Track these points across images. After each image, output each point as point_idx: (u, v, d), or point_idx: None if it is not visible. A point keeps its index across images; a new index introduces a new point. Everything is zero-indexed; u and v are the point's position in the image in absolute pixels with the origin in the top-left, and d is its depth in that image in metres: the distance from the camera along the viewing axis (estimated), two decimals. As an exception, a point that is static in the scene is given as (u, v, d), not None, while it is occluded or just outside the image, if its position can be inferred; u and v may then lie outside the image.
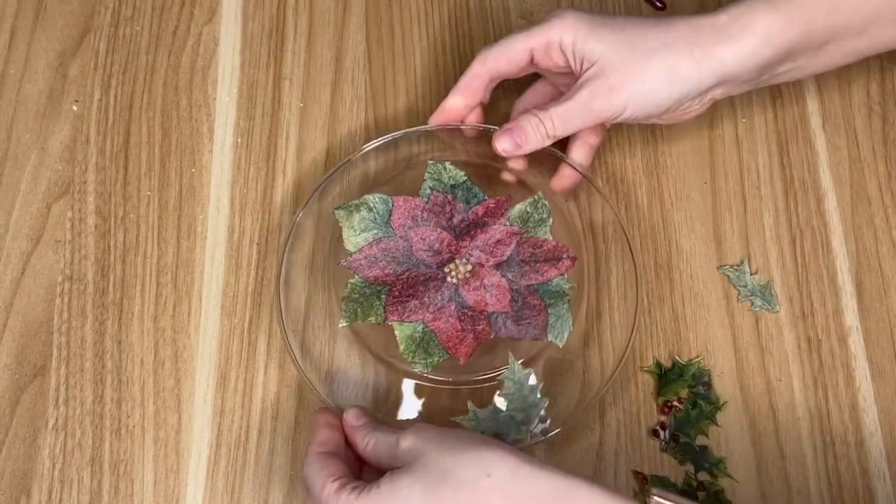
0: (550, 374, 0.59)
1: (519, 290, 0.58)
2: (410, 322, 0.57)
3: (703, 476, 0.58)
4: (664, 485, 0.57)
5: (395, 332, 0.57)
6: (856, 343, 0.61)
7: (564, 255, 0.59)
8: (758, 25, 0.55)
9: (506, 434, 0.55)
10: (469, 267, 0.58)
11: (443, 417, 0.56)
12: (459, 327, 0.57)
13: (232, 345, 0.60)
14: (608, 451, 0.58)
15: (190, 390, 0.59)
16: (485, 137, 0.61)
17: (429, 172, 0.60)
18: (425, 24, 0.70)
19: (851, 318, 0.62)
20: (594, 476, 0.58)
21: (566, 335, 0.57)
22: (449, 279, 0.58)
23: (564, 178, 0.62)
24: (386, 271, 0.58)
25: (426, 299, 0.57)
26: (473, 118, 0.62)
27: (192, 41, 0.69)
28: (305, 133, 0.66)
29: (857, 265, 0.63)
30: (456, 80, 0.60)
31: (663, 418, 0.59)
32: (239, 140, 0.66)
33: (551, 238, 0.59)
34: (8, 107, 0.66)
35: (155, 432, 0.58)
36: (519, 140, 0.58)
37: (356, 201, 0.59)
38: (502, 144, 0.58)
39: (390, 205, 0.59)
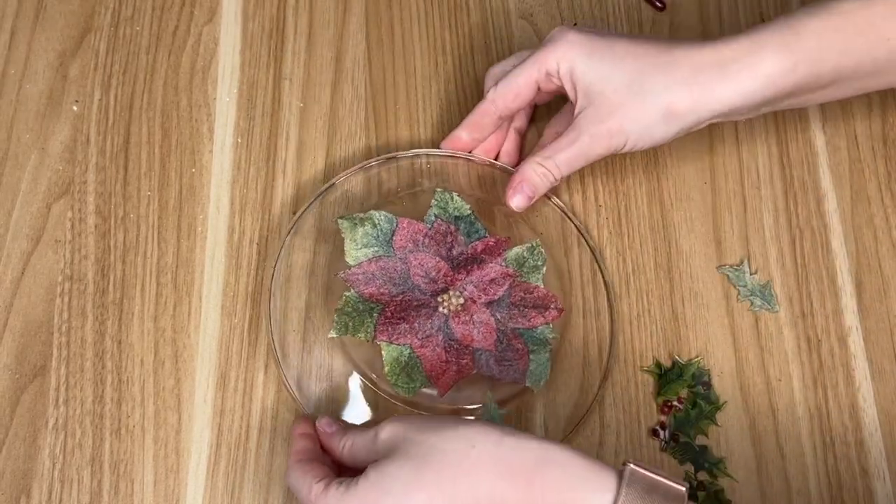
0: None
1: (505, 332, 0.59)
2: (398, 345, 0.57)
3: (703, 476, 0.58)
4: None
5: (382, 352, 0.57)
6: (855, 343, 0.61)
7: (552, 306, 0.59)
8: (762, 67, 0.55)
9: None
10: (461, 300, 0.58)
11: None
12: (444, 358, 0.57)
13: (232, 345, 0.60)
14: (608, 451, 0.58)
15: (190, 390, 0.59)
16: (490, 174, 0.63)
17: (436, 200, 0.61)
18: (425, 24, 0.70)
19: (851, 318, 0.62)
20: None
21: (542, 383, 0.58)
22: (441, 309, 0.58)
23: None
24: (381, 290, 0.58)
25: (416, 325, 0.57)
26: (510, 146, 0.63)
27: (192, 41, 0.69)
28: (305, 133, 0.66)
29: (856, 265, 0.63)
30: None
31: (663, 418, 0.59)
32: (239, 140, 0.66)
33: (542, 286, 0.60)
34: (8, 107, 0.66)
35: (155, 432, 0.58)
36: (531, 193, 0.59)
37: (361, 215, 0.60)
38: (516, 202, 0.59)
39: (394, 224, 0.60)
